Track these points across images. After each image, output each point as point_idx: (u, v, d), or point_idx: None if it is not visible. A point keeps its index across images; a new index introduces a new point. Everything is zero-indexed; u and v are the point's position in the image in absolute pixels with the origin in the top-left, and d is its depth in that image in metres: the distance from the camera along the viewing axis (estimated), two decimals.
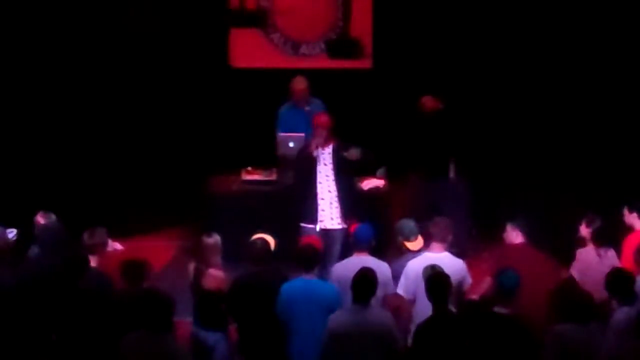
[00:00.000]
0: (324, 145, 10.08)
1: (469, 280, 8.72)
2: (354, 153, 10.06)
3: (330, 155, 10.10)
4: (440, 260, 8.48)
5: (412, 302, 8.46)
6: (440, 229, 8.74)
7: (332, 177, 10.09)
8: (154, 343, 7.25)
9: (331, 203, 10.08)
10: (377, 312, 7.84)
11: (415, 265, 8.50)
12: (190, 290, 8.68)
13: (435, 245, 8.72)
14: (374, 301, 7.97)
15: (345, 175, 10.19)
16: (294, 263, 8.50)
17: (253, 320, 8.34)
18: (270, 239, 8.56)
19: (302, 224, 10.09)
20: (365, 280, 7.77)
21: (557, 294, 7.86)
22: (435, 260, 8.48)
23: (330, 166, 10.10)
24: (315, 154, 10.01)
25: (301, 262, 8.31)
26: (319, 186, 10.09)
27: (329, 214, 10.09)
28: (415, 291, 8.40)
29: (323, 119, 10.17)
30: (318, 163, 10.07)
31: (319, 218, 10.07)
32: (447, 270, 8.14)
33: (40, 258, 8.58)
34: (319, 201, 10.07)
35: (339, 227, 10.05)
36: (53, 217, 9.08)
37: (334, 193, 10.08)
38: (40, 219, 9.05)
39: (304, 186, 10.13)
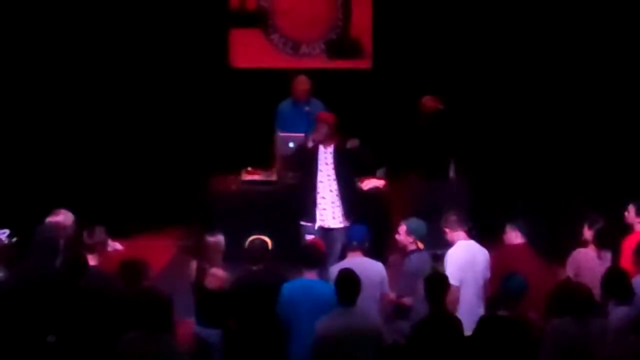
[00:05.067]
0: (325, 143, 10.12)
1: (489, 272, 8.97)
2: (353, 142, 10.14)
3: (332, 155, 10.13)
4: (470, 247, 8.90)
5: (458, 289, 8.60)
6: (455, 221, 9.01)
7: (333, 176, 10.12)
8: (153, 343, 7.26)
9: (333, 202, 10.11)
10: (363, 312, 7.81)
11: (457, 252, 8.84)
12: (191, 289, 8.69)
13: (460, 234, 9.00)
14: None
15: (347, 174, 10.21)
16: (293, 263, 8.53)
17: (253, 320, 8.35)
18: (267, 239, 8.59)
19: (302, 222, 10.11)
20: (348, 281, 7.74)
21: (556, 290, 7.89)
22: (468, 246, 8.89)
23: (331, 165, 10.13)
24: (310, 145, 10.05)
25: (303, 260, 8.34)
26: (320, 185, 10.12)
27: (330, 212, 10.12)
28: (461, 277, 8.63)
29: (326, 115, 10.29)
30: (319, 162, 10.10)
31: (320, 217, 10.09)
32: (478, 256, 8.79)
33: (35, 261, 8.55)
34: (320, 200, 10.10)
35: (341, 225, 10.08)
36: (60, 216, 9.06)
37: (335, 192, 10.10)
38: (58, 217, 9.02)
39: (303, 183, 10.17)
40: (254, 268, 8.48)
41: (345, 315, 7.65)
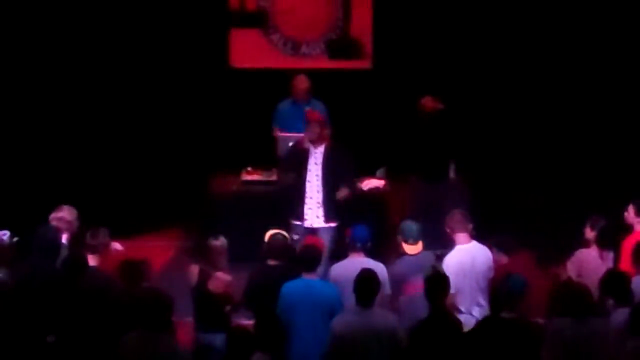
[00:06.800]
0: (316, 142, 10.12)
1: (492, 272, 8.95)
2: (342, 193, 10.13)
3: (322, 155, 10.14)
4: (469, 250, 8.80)
5: (454, 295, 8.50)
6: (459, 221, 8.90)
7: (321, 176, 10.12)
8: (153, 343, 7.26)
9: (318, 202, 10.12)
10: (381, 313, 7.82)
11: (454, 259, 8.75)
12: (191, 293, 8.65)
13: (461, 236, 8.88)
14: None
15: (334, 176, 10.19)
16: (294, 262, 8.54)
17: (269, 313, 8.29)
18: (287, 235, 8.67)
19: (292, 221, 10.12)
20: (368, 281, 7.75)
21: (555, 290, 7.89)
22: (467, 250, 8.79)
23: (320, 166, 10.13)
24: (306, 145, 10.07)
25: (303, 262, 8.33)
26: (307, 185, 10.14)
27: (315, 212, 10.13)
28: (456, 283, 8.51)
29: (316, 114, 10.35)
30: (309, 162, 10.11)
31: (305, 216, 10.10)
32: (479, 258, 8.73)
33: (36, 261, 8.55)
34: (307, 200, 10.12)
35: (325, 226, 10.08)
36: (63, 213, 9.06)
37: (322, 193, 10.10)
38: (62, 212, 9.03)
39: (296, 182, 10.19)
40: (273, 263, 8.51)
41: (363, 315, 7.65)
